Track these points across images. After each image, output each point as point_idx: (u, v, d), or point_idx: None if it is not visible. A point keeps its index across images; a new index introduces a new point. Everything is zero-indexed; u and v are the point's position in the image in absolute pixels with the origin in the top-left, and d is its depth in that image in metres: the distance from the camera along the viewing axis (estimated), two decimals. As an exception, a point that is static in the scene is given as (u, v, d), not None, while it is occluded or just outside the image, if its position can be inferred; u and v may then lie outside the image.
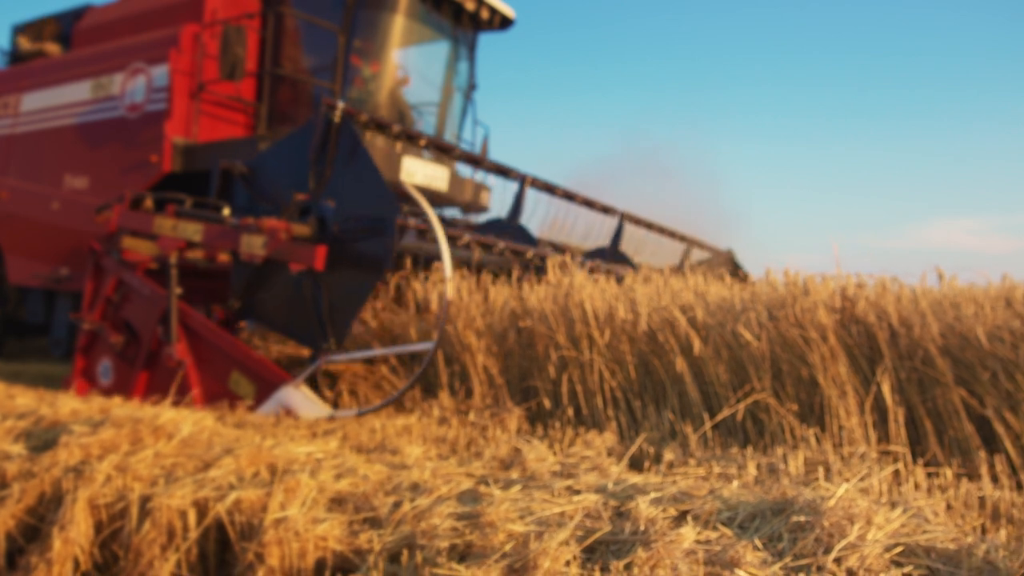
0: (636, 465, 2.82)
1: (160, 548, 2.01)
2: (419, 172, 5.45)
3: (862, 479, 2.46)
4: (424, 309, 4.04)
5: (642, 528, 1.80)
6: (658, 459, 2.85)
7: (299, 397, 3.53)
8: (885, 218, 26.99)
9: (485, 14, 6.52)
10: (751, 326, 3.15)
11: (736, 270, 7.28)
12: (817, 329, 3.04)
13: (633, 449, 2.85)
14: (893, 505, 1.98)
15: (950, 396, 2.84)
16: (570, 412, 3.39)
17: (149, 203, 4.28)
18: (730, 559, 1.69)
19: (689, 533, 1.75)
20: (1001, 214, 28.98)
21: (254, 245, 3.72)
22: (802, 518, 1.81)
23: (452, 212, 6.55)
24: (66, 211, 6.21)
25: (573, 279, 3.53)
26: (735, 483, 2.26)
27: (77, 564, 2.11)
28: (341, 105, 3.74)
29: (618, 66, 33.65)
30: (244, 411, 3.50)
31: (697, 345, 3.19)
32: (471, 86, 7.00)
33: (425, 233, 3.67)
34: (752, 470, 2.58)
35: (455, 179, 5.99)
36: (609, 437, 3.13)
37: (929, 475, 2.66)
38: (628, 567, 1.66)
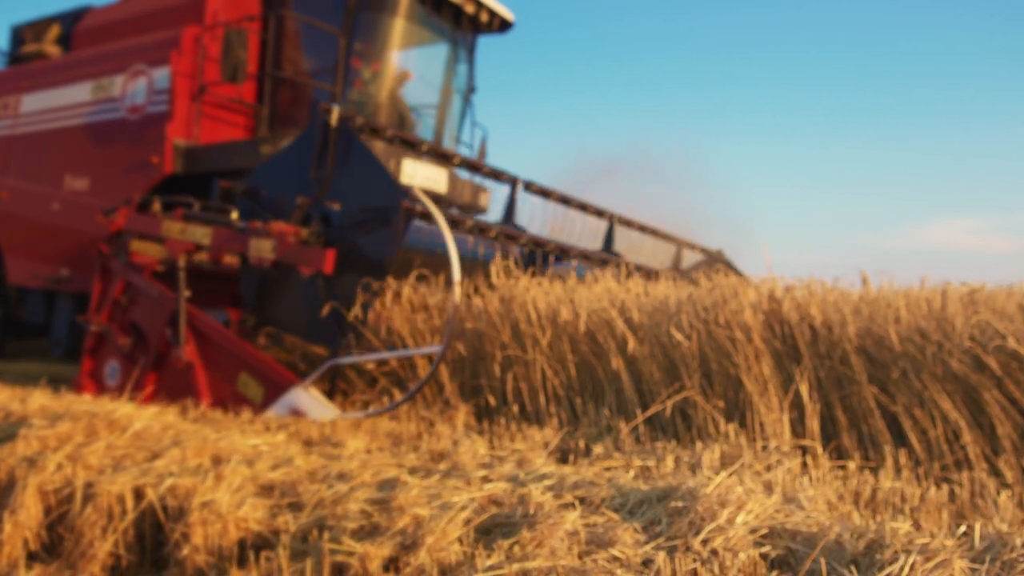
0: (565, 458, 2.98)
1: (101, 530, 2.18)
2: (419, 174, 5.56)
3: (769, 469, 2.62)
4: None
5: (532, 512, 1.97)
6: (588, 452, 3.02)
7: (308, 399, 3.54)
8: (885, 218, 27.14)
9: (484, 17, 6.62)
10: (682, 327, 3.32)
11: (729, 270, 7.29)
12: (743, 330, 3.20)
13: (556, 442, 3.02)
14: (770, 492, 2.14)
15: (864, 394, 3.00)
16: (515, 409, 3.56)
17: (157, 206, 4.35)
18: (608, 539, 1.86)
19: (572, 516, 1.92)
20: (1001, 214, 29.09)
21: (263, 249, 3.77)
22: (680, 503, 1.98)
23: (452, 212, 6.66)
24: (66, 212, 6.27)
25: (517, 281, 3.70)
26: (631, 473, 2.43)
27: (27, 544, 2.29)
28: (336, 109, 3.81)
29: (617, 66, 33.82)
30: (206, 407, 3.67)
31: (632, 344, 3.35)
32: (470, 88, 7.07)
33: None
34: (670, 463, 2.74)
35: (454, 181, 6.08)
36: (548, 432, 3.29)
37: (839, 467, 2.82)
38: (512, 545, 1.83)
